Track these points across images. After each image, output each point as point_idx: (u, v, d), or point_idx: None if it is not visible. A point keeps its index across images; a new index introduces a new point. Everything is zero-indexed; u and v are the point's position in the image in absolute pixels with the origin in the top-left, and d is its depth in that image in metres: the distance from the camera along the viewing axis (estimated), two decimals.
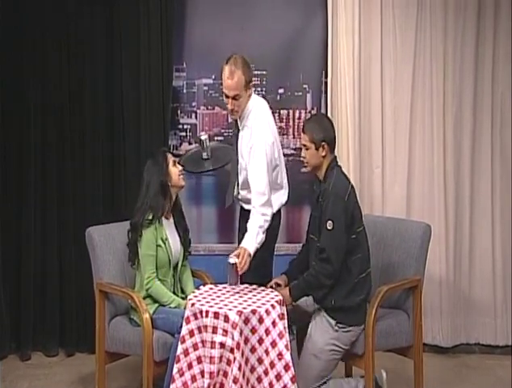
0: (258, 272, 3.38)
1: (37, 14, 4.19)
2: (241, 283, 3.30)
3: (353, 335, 3.27)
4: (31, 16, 4.20)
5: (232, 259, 3.18)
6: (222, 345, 2.96)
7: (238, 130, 3.59)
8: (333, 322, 3.24)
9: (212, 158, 3.81)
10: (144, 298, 3.37)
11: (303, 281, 3.27)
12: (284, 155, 3.78)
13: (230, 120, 4.40)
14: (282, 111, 4.44)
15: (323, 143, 3.27)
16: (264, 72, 4.39)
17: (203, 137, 3.81)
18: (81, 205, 4.27)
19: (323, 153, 3.28)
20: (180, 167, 3.54)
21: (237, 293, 3.23)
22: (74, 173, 4.28)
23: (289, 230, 4.41)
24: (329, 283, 3.21)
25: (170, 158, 3.53)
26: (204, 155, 3.80)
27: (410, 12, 4.25)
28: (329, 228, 3.19)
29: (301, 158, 3.38)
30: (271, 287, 3.39)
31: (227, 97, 3.44)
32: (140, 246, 3.41)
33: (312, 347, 3.26)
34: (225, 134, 4.45)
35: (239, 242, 3.58)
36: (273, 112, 4.30)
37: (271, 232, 3.46)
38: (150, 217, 3.40)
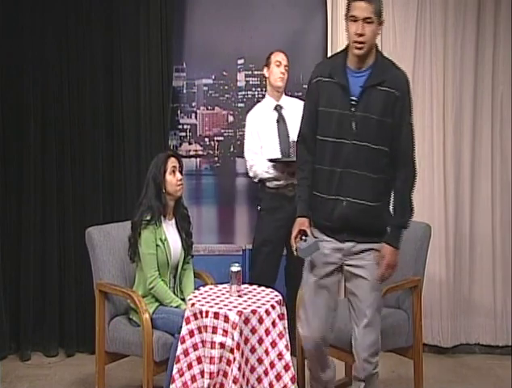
0: None
1: (37, 14, 4.19)
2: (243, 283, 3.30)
3: None
4: (31, 16, 4.19)
5: (235, 268, 3.19)
6: (222, 345, 2.96)
7: None
8: (378, 246, 2.86)
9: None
10: (144, 296, 3.37)
11: (398, 218, 2.80)
12: None
13: (230, 120, 4.42)
14: None
15: (382, 20, 2.64)
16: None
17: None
18: (81, 205, 4.27)
19: (379, 32, 2.66)
20: (180, 176, 3.49)
21: (237, 293, 3.23)
22: (74, 173, 4.28)
23: None
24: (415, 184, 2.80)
25: (170, 164, 3.45)
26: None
27: (410, 12, 4.24)
28: (411, 122, 2.72)
29: (356, 36, 2.67)
30: (301, 238, 2.84)
31: None
32: (140, 245, 3.41)
33: (375, 285, 2.87)
34: (225, 134, 4.45)
35: None
36: None
37: None
38: (148, 218, 3.39)
